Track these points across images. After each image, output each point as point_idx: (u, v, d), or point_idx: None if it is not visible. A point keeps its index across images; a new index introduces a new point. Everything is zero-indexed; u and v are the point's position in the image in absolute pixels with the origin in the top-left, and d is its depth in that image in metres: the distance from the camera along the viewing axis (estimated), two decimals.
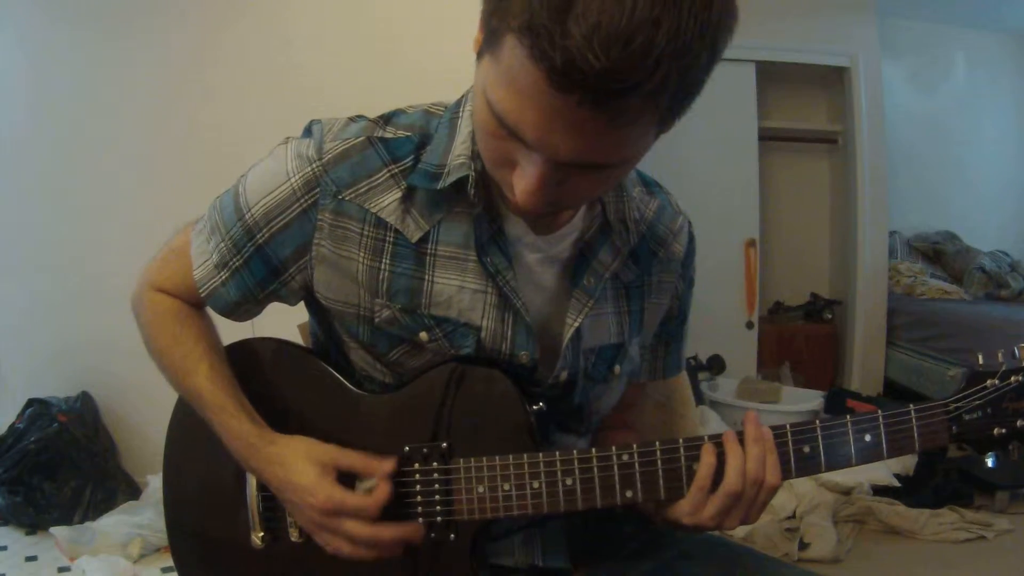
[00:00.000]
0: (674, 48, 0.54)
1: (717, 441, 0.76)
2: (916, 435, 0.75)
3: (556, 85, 0.56)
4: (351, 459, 0.79)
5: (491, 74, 0.62)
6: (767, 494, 0.75)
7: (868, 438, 0.75)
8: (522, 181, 0.66)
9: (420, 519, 0.80)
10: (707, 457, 0.75)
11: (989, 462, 0.75)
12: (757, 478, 0.74)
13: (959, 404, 0.75)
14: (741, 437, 0.76)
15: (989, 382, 0.74)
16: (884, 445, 0.75)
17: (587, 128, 0.59)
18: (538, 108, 0.59)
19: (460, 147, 0.78)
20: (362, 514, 0.76)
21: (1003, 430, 0.74)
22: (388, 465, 0.78)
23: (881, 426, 0.75)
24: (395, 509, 0.79)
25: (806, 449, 0.75)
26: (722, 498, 0.74)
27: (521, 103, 0.60)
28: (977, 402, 0.74)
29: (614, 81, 0.54)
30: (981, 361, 0.76)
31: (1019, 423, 0.74)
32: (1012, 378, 0.74)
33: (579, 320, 0.83)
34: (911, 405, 0.76)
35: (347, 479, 0.79)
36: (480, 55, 0.66)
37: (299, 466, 0.78)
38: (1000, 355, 0.75)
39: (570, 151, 0.62)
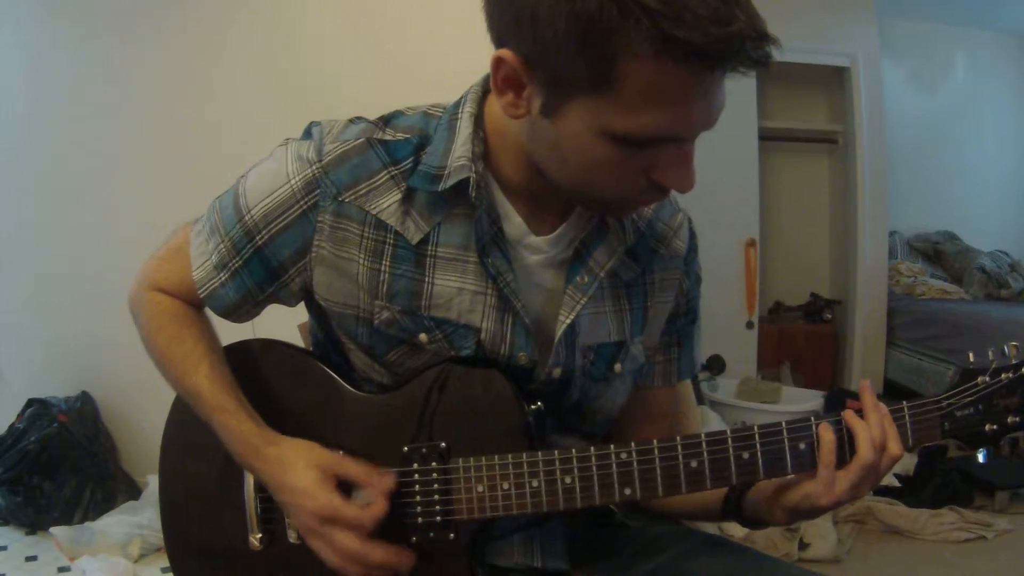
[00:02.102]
0: None
1: (835, 419, 0.76)
2: (909, 432, 0.76)
3: (719, 66, 0.62)
4: (353, 468, 0.79)
5: (608, 111, 0.65)
6: (889, 461, 0.75)
7: None
8: (677, 171, 0.70)
9: (419, 519, 0.81)
10: (827, 435, 0.75)
11: (980, 457, 0.76)
12: (882, 444, 0.74)
13: (951, 401, 0.75)
14: (858, 411, 0.76)
15: (980, 379, 0.75)
16: None
17: (720, 85, 0.66)
18: (695, 99, 0.65)
19: (460, 149, 0.78)
20: (356, 527, 0.76)
21: (994, 426, 0.75)
22: (388, 481, 0.78)
23: None
24: (393, 510, 0.79)
25: (801, 446, 0.75)
26: (857, 470, 0.74)
27: (675, 108, 0.64)
28: (969, 399, 0.75)
29: (759, 29, 0.61)
30: (972, 359, 0.76)
31: (1010, 419, 0.75)
32: (1003, 375, 0.75)
33: (571, 317, 0.83)
34: (904, 402, 0.76)
35: (346, 487, 0.79)
36: (552, 110, 0.68)
37: (299, 469, 0.78)
38: (991, 353, 0.76)
39: (714, 115, 0.68)
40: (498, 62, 0.69)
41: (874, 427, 0.75)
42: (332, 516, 0.76)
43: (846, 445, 0.75)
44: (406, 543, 0.80)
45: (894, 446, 0.75)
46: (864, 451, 0.74)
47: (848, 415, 0.76)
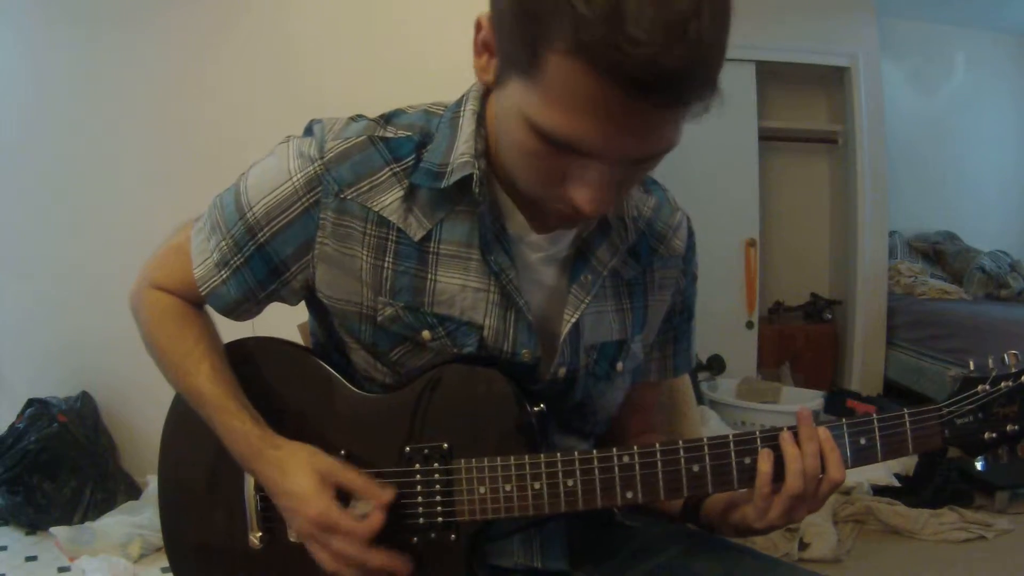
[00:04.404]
0: (716, 33, 0.57)
1: (773, 444, 0.76)
2: (910, 439, 0.76)
3: (633, 94, 0.57)
4: (352, 479, 0.79)
5: (531, 98, 0.62)
6: (830, 486, 0.76)
7: (863, 441, 0.76)
8: (586, 190, 0.66)
9: (420, 520, 0.81)
10: (764, 466, 0.75)
11: (979, 465, 0.76)
12: (815, 473, 0.75)
13: (952, 409, 0.76)
14: (796, 436, 0.76)
15: (980, 387, 0.76)
16: (879, 448, 0.76)
17: (655, 123, 0.61)
18: (608, 119, 0.60)
19: (463, 146, 0.78)
20: (352, 537, 0.76)
21: (993, 435, 0.75)
22: (387, 494, 0.78)
23: (876, 429, 0.76)
24: (395, 510, 0.79)
25: None
26: (786, 499, 0.75)
27: (586, 119, 0.60)
28: (969, 407, 0.76)
29: (689, 77, 0.57)
30: (972, 367, 0.77)
31: (1009, 428, 0.75)
32: (1002, 384, 0.75)
33: (576, 315, 0.83)
34: (904, 409, 0.76)
35: (344, 494, 0.79)
36: (500, 81, 0.67)
37: (299, 474, 0.78)
38: (991, 361, 0.76)
39: (640, 150, 0.64)
40: (478, 24, 0.69)
41: (808, 457, 0.75)
42: (329, 525, 0.76)
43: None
44: (407, 543, 0.81)
45: (835, 472, 0.75)
46: (792, 481, 0.74)
47: (784, 440, 0.76)
